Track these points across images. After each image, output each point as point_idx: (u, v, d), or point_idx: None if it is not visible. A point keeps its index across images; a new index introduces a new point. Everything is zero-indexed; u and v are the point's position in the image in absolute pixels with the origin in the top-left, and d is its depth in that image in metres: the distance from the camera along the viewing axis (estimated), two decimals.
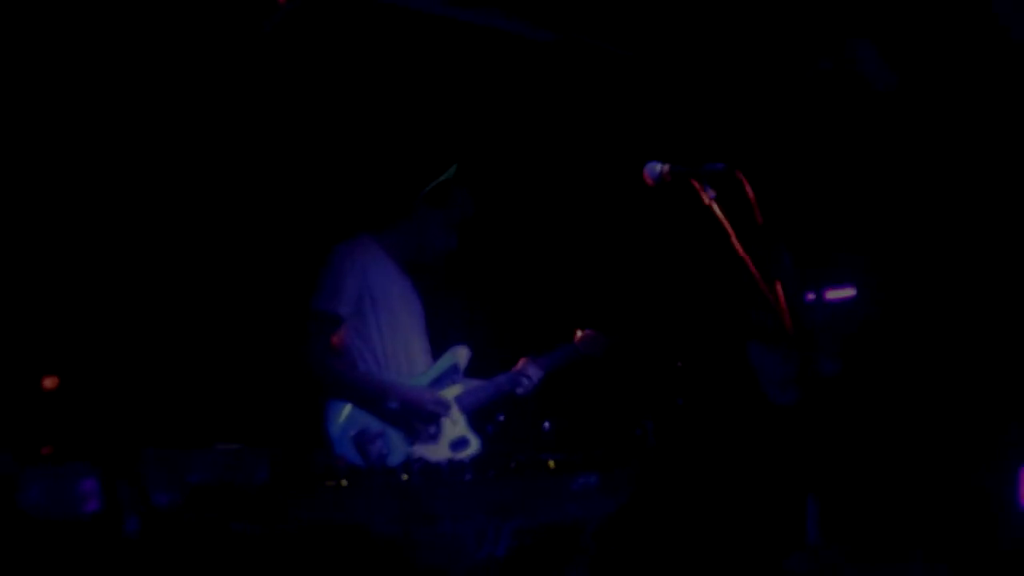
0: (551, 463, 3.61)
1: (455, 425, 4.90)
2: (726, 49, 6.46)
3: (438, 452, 4.74)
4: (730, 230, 3.92)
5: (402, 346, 4.88)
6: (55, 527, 3.72)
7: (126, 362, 5.71)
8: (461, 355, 5.06)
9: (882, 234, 6.48)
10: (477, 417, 5.08)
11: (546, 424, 6.71)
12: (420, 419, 4.74)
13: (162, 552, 3.74)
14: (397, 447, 4.65)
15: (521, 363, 5.18)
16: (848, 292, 6.31)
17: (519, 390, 5.12)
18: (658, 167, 4.08)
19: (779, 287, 3.89)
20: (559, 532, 5.89)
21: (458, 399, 4.95)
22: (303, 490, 3.54)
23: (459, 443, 4.87)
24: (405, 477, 3.53)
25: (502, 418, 6.26)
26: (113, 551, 3.73)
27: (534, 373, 5.15)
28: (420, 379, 4.88)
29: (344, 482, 3.53)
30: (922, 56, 6.23)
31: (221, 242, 5.91)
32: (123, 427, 5.37)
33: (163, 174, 5.76)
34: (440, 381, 4.94)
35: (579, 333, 5.48)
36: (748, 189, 3.92)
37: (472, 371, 5.16)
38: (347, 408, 4.67)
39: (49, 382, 5.42)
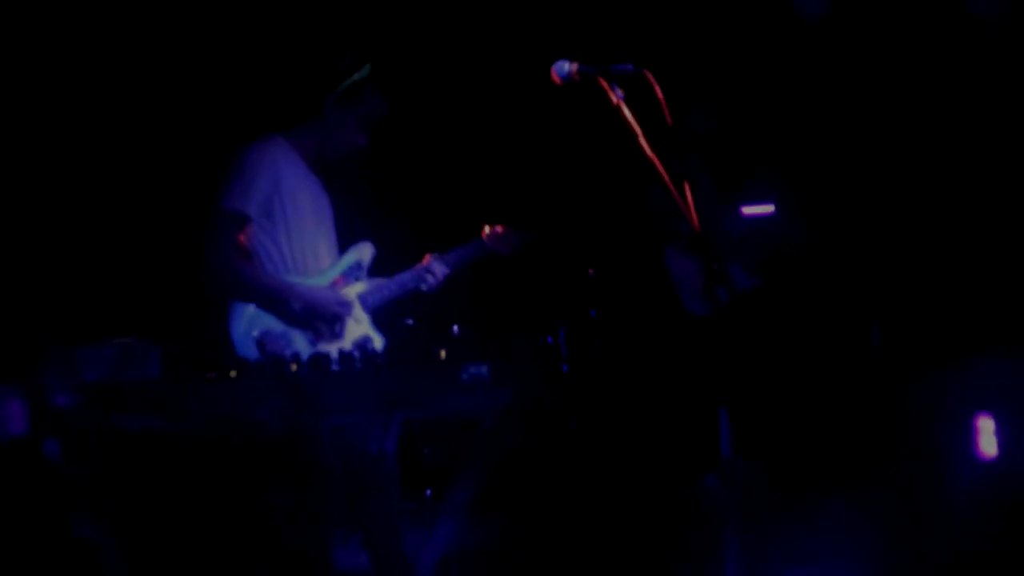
0: (442, 352, 3.55)
1: (359, 324, 4.82)
2: None
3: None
4: (638, 131, 3.86)
5: (309, 246, 4.79)
6: None
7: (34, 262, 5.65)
8: (364, 252, 4.98)
9: (805, 153, 6.46)
10: (382, 316, 5.02)
11: (455, 328, 6.66)
12: (323, 320, 4.66)
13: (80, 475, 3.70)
14: (301, 348, 4.58)
15: (426, 259, 5.11)
16: (767, 208, 6.29)
17: (423, 287, 5.07)
18: (567, 66, 4.01)
19: (688, 190, 3.84)
20: (455, 429, 5.90)
21: (361, 297, 4.87)
22: (192, 383, 3.47)
23: (363, 342, 4.74)
24: (293, 368, 3.46)
25: (411, 322, 6.20)
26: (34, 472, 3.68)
27: (439, 269, 5.08)
28: (323, 277, 4.79)
29: (232, 374, 3.46)
30: None
31: (126, 139, 5.81)
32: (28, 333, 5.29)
33: (66, 65, 5.64)
34: (344, 278, 4.86)
35: (487, 229, 5.44)
36: (658, 91, 3.85)
37: (382, 269, 5.09)
38: (250, 309, 4.58)
39: None
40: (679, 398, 6.28)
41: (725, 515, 4.00)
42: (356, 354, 3.47)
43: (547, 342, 6.69)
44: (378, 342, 4.84)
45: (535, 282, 6.09)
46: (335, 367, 3.47)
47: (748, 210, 6.25)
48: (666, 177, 3.91)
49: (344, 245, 5.04)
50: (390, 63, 5.10)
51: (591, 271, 6.91)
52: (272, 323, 4.57)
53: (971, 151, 6.16)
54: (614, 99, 3.91)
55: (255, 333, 4.50)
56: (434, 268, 5.07)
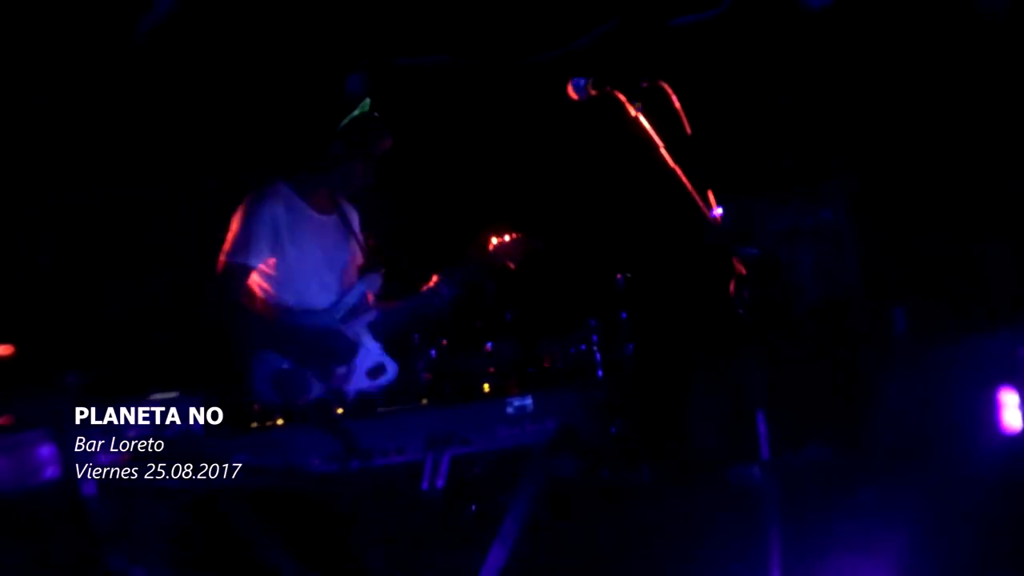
0: (485, 387, 3.58)
1: (370, 353, 4.86)
2: None
3: (355, 382, 4.75)
4: (659, 142, 3.89)
5: (317, 283, 4.87)
6: (17, 498, 3.69)
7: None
8: (373, 281, 5.01)
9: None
10: (394, 342, 5.05)
11: (488, 345, 6.71)
12: (331, 361, 4.73)
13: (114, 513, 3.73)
14: (314, 383, 4.67)
15: (433, 281, 5.10)
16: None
17: (430, 311, 5.08)
18: (583, 82, 4.05)
19: (711, 196, 3.88)
20: (504, 462, 5.90)
21: (371, 327, 4.91)
22: (239, 434, 3.50)
23: (375, 370, 4.82)
24: (339, 412, 3.50)
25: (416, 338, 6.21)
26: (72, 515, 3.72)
27: (444, 290, 5.05)
28: (332, 312, 4.86)
29: (279, 421, 3.49)
30: None
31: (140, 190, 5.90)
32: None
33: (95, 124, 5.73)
34: (354, 311, 4.91)
35: (493, 241, 5.31)
36: (675, 100, 3.88)
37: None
38: (266, 353, 4.69)
39: (1, 350, 5.40)
40: (716, 399, 6.30)
41: (769, 503, 4.02)
42: (399, 394, 3.51)
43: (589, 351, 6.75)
44: (390, 369, 4.87)
45: (565, 288, 6.09)
46: (380, 409, 3.50)
47: None
48: (689, 186, 3.94)
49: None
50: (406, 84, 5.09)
51: (620, 276, 6.95)
52: (284, 363, 4.67)
53: (973, 142, 6.15)
54: (632, 112, 3.95)
55: (268, 372, 4.61)
56: (441, 290, 5.05)
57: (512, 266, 5.31)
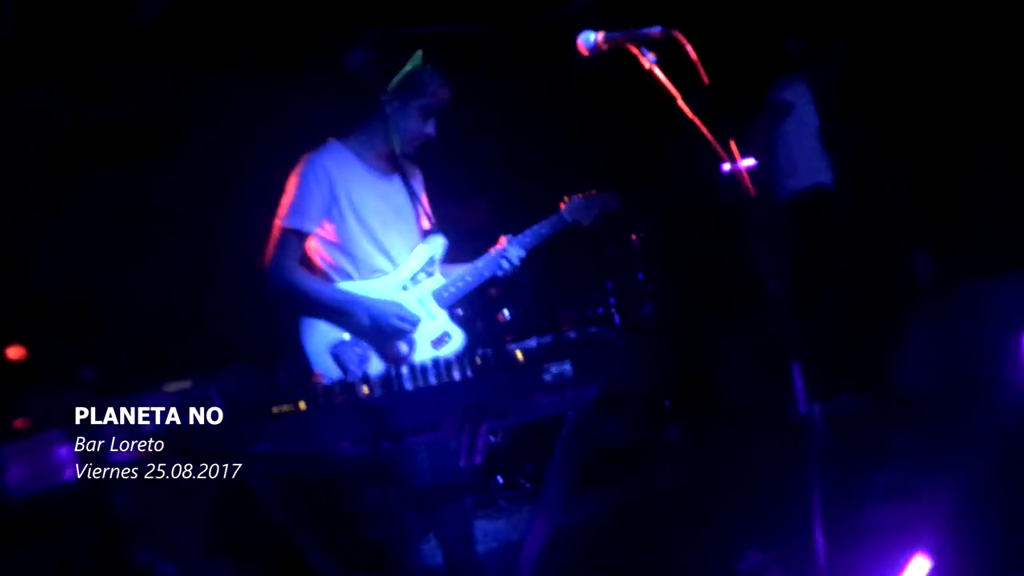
0: (519, 354, 3.42)
1: (435, 321, 4.71)
2: None
3: (419, 353, 4.60)
4: (676, 93, 3.76)
5: (378, 246, 4.69)
6: (38, 501, 3.61)
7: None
8: (436, 246, 4.82)
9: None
10: (460, 308, 4.94)
11: (505, 312, 6.59)
12: (392, 332, 4.57)
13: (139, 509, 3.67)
14: (374, 355, 4.53)
15: (501, 242, 4.90)
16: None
17: (500, 272, 4.84)
18: (592, 35, 3.91)
19: (734, 146, 3.77)
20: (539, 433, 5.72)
21: (436, 293, 4.75)
22: (261, 422, 3.35)
23: (440, 339, 4.69)
24: (365, 391, 3.35)
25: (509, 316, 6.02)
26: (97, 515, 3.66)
27: (514, 253, 4.84)
28: (394, 279, 4.69)
29: (302, 406, 3.34)
30: None
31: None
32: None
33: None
34: (418, 277, 4.74)
35: (565, 200, 5.12)
36: (690, 51, 3.75)
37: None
38: (321, 323, 4.52)
39: (14, 352, 5.30)
40: (744, 352, 6.24)
41: (812, 453, 3.91)
42: (430, 369, 3.36)
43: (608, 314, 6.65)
44: (457, 336, 4.73)
45: (580, 249, 5.96)
46: (408, 385, 3.36)
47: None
48: (710, 137, 3.82)
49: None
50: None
51: (634, 237, 6.84)
52: (344, 335, 4.52)
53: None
54: (646, 64, 3.81)
55: (328, 344, 4.45)
56: (509, 252, 4.82)
57: (586, 224, 5.13)
